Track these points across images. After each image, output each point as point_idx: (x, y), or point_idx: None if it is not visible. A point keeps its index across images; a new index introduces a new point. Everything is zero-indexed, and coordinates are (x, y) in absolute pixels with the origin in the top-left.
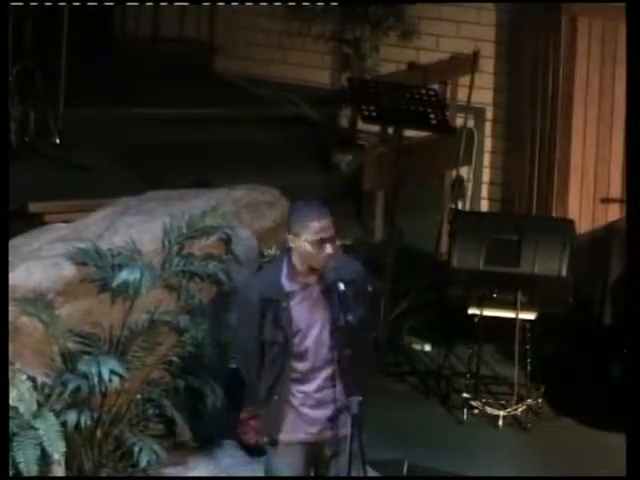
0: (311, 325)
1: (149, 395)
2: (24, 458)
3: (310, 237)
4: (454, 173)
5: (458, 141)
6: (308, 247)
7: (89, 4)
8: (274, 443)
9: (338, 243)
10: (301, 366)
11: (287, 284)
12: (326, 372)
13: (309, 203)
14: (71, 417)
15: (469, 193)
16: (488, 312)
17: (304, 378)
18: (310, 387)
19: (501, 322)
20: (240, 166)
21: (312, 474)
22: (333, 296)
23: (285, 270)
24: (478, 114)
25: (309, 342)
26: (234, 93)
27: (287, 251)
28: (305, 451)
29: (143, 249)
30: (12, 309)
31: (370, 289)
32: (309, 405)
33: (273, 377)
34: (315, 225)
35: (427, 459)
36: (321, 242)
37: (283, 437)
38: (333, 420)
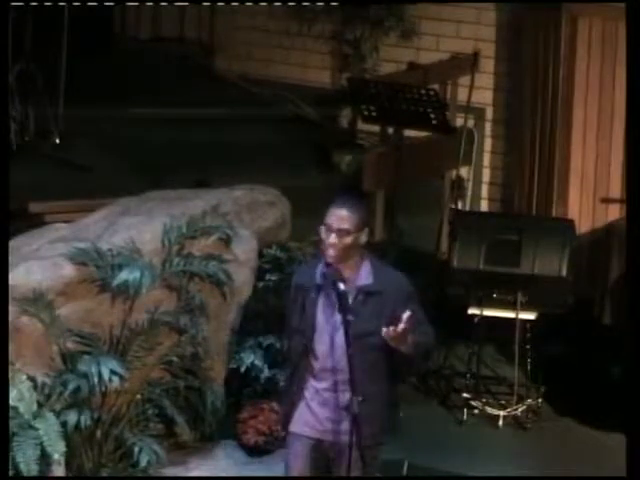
0: (329, 325)
1: (149, 395)
2: (24, 458)
3: (325, 219)
4: (454, 173)
5: (458, 141)
6: (321, 231)
7: (89, 4)
8: (289, 433)
9: (350, 240)
10: (315, 363)
11: (319, 278)
12: (337, 376)
13: (348, 194)
14: (71, 417)
15: (469, 193)
16: (488, 312)
17: (317, 375)
18: (321, 385)
19: (501, 322)
20: (240, 166)
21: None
22: (366, 298)
23: (322, 263)
24: (478, 114)
25: (325, 341)
26: (234, 93)
27: None
28: (312, 446)
29: (143, 249)
30: (12, 309)
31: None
32: (317, 401)
33: (294, 366)
34: (332, 210)
35: (427, 459)
36: (328, 228)
37: (293, 428)
38: (338, 423)
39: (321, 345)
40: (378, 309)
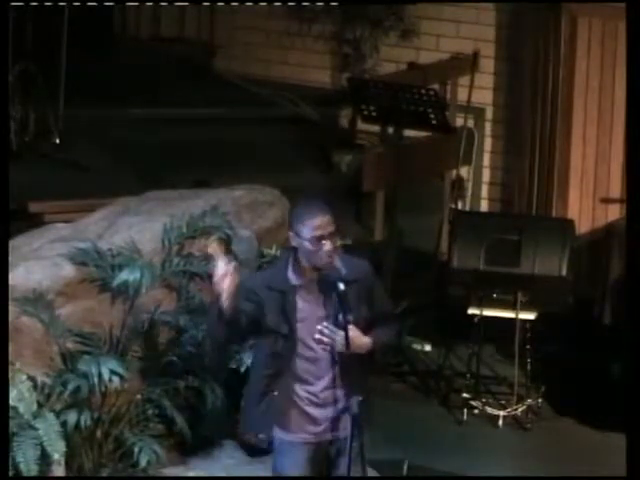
0: (316, 322)
1: (149, 395)
2: (24, 458)
3: (308, 234)
4: (454, 173)
5: (458, 141)
6: (307, 245)
7: (89, 4)
8: (269, 440)
9: (339, 242)
10: (307, 365)
11: (293, 278)
12: (331, 372)
13: (309, 201)
14: (71, 417)
15: (469, 193)
16: (488, 312)
17: (311, 377)
18: (317, 387)
19: (501, 322)
20: (240, 166)
21: (319, 474)
22: (334, 296)
23: (291, 266)
24: (478, 114)
25: (315, 343)
26: (234, 93)
27: (292, 248)
28: (310, 451)
29: (143, 249)
30: (12, 309)
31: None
32: (314, 404)
33: (274, 370)
34: (313, 222)
35: (427, 459)
36: (319, 239)
37: (288, 437)
38: (336, 420)
39: (312, 347)
40: (357, 297)
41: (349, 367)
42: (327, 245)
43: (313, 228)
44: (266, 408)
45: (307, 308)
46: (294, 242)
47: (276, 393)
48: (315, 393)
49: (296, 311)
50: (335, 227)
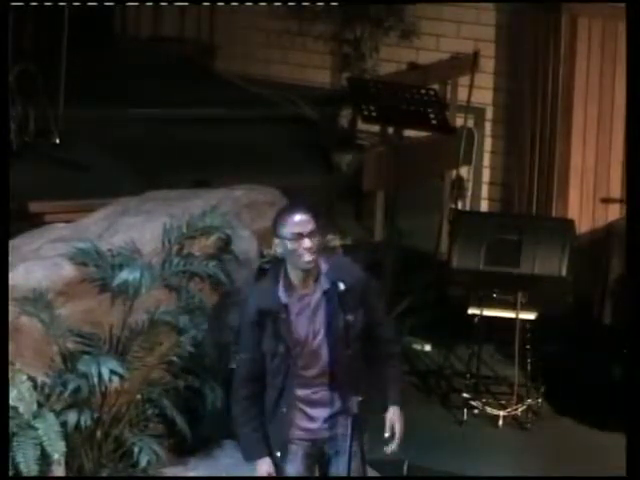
0: (312, 334)
1: (149, 395)
2: (24, 458)
3: (288, 232)
4: (454, 173)
5: (458, 141)
6: (288, 244)
7: (89, 4)
8: (285, 452)
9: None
10: (307, 373)
11: (284, 296)
12: (330, 375)
13: (289, 206)
14: (71, 417)
15: (469, 193)
16: (488, 312)
17: (309, 383)
18: (314, 389)
19: (501, 322)
20: (240, 166)
21: (317, 473)
22: (333, 298)
23: (282, 283)
24: (478, 114)
25: (313, 350)
26: (234, 93)
27: (282, 264)
28: (306, 450)
29: (143, 249)
30: (12, 309)
31: (371, 293)
32: (312, 406)
33: (278, 390)
34: (292, 219)
35: (427, 459)
36: (299, 236)
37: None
38: (332, 420)
39: (312, 352)
40: (349, 302)
41: (346, 369)
42: (306, 242)
43: (292, 225)
44: (278, 426)
45: (302, 324)
46: (279, 248)
47: (284, 409)
48: (309, 394)
49: (291, 329)
50: (315, 227)
